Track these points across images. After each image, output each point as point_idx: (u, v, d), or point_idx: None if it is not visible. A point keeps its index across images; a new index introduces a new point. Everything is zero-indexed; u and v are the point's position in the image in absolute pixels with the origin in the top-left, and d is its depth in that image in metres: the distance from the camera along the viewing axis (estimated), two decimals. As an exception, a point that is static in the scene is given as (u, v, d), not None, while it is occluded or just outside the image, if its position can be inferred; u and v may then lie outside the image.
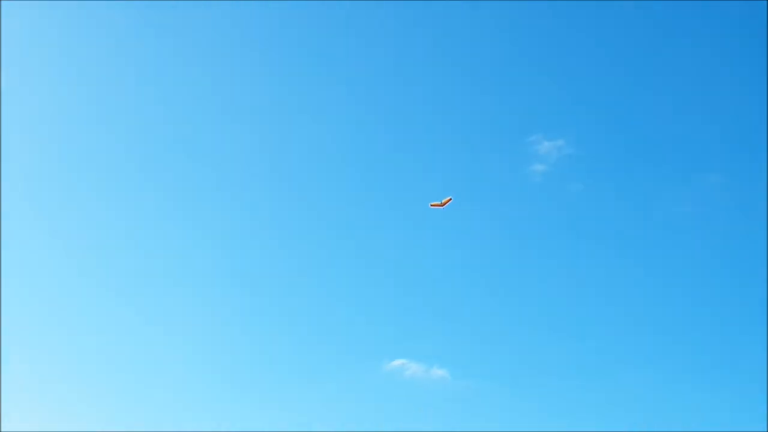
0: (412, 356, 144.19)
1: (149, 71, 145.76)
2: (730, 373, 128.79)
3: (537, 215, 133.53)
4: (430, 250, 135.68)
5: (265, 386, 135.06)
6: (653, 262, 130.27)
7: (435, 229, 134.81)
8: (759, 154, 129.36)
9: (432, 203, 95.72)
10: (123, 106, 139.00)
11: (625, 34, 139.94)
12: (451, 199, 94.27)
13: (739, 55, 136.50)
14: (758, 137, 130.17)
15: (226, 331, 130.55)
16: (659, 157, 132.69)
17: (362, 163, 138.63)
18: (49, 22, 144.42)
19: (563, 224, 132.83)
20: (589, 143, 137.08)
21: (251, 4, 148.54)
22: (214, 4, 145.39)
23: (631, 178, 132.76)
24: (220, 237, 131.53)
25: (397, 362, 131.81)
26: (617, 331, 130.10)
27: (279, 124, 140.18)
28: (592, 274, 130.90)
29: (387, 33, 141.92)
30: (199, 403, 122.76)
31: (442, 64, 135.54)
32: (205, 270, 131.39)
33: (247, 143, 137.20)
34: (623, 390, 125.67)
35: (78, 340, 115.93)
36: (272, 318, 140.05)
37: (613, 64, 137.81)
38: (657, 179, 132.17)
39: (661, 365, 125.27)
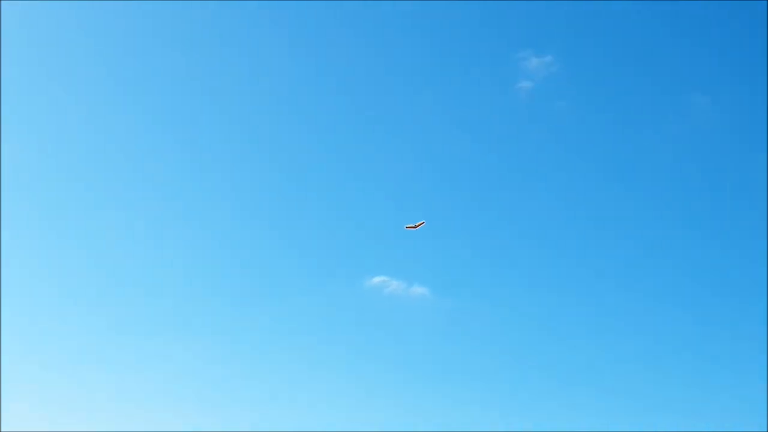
0: (392, 273, 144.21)
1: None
2: (728, 282, 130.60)
3: (524, 132, 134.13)
4: (413, 165, 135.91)
5: (247, 300, 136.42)
6: (640, 180, 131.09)
7: (419, 144, 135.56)
8: (746, 75, 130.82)
9: (407, 226, 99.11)
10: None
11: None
12: (423, 222, 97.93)
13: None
14: (745, 59, 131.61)
15: (212, 244, 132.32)
16: (647, 78, 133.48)
17: (350, 81, 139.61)
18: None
19: (550, 142, 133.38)
20: (578, 61, 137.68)
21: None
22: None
23: (619, 97, 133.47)
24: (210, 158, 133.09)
25: (378, 279, 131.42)
26: (601, 248, 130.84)
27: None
28: (578, 192, 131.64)
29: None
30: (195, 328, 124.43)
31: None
32: (194, 193, 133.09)
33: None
34: (604, 304, 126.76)
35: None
36: (254, 233, 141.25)
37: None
38: (645, 99, 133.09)
39: (646, 281, 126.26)
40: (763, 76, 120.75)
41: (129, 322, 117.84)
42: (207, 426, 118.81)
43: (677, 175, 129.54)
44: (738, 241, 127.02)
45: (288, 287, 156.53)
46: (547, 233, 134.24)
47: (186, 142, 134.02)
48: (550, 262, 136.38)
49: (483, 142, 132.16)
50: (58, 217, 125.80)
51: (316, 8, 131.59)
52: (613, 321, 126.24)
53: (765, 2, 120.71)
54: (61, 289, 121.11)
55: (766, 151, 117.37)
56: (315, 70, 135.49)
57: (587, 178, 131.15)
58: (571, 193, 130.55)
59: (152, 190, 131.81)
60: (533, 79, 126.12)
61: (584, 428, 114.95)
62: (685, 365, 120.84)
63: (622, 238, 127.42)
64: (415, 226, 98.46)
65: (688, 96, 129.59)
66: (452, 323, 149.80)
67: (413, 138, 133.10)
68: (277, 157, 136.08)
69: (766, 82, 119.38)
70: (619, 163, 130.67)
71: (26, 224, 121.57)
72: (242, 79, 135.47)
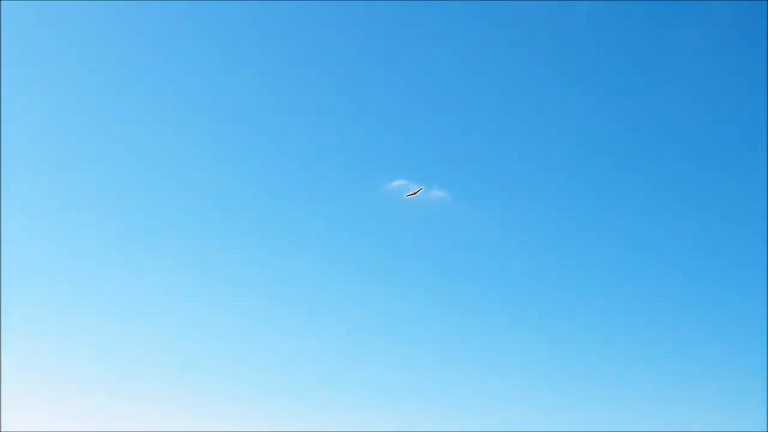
0: (411, 177, 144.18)
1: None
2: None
3: (544, 35, 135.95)
4: (433, 66, 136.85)
5: (267, 203, 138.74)
6: (660, 83, 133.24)
7: (439, 41, 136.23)
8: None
9: (408, 194, 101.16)
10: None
11: None
12: (421, 188, 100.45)
13: None
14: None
15: (235, 153, 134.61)
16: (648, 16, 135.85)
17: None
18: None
19: (572, 42, 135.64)
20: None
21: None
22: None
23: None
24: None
25: (397, 183, 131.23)
26: (619, 155, 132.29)
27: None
28: (597, 91, 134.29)
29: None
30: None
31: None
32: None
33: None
34: (616, 216, 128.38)
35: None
36: (272, 138, 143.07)
37: None
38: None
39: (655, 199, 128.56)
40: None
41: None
42: (239, 315, 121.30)
43: (693, 77, 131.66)
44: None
45: (305, 193, 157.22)
46: (567, 136, 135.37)
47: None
48: (572, 164, 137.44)
49: (505, 41, 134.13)
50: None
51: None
52: (625, 226, 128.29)
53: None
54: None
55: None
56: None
57: (608, 81, 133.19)
58: (592, 91, 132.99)
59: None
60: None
61: (594, 323, 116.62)
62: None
63: (641, 150, 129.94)
64: (414, 193, 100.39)
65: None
66: (471, 228, 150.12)
67: (434, 36, 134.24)
68: (296, 60, 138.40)
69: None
70: (641, 70, 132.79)
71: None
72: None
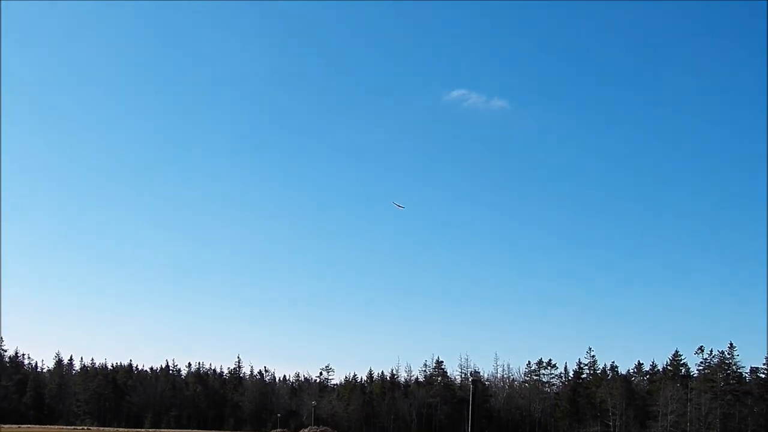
0: (471, 86, 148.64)
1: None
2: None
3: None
4: None
5: (325, 116, 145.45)
6: None
7: None
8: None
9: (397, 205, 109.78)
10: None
11: None
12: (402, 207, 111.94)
13: None
14: None
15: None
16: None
17: None
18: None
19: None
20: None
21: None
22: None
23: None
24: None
25: (456, 93, 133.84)
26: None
27: None
28: None
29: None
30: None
31: None
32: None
33: None
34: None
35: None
36: (340, 52, 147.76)
37: None
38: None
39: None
40: None
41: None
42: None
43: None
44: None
45: (365, 105, 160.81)
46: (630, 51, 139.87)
47: None
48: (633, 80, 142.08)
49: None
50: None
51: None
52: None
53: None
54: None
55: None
56: None
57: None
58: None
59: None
60: None
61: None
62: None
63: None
64: (400, 206, 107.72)
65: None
66: (532, 137, 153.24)
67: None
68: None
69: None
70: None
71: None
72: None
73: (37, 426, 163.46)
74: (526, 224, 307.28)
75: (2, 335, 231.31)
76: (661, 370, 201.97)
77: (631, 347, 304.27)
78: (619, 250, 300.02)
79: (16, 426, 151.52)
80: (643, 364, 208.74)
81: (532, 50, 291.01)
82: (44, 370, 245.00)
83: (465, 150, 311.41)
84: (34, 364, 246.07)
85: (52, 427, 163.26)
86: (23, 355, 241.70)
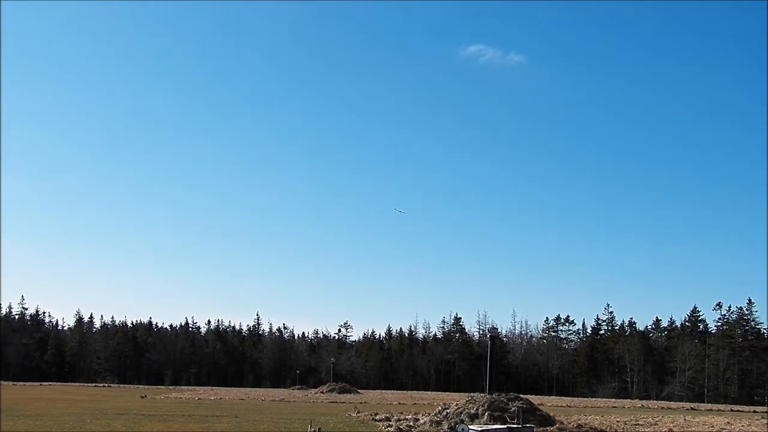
0: (487, 41, 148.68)
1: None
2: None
3: None
4: None
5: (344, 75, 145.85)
6: None
7: None
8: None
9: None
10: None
11: None
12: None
13: None
14: None
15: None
16: None
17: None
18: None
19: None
20: None
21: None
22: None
23: None
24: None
25: (473, 48, 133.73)
26: None
27: None
28: None
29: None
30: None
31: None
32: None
33: None
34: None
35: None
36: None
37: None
38: None
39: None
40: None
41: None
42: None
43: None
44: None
45: (379, 61, 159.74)
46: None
47: None
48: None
49: None
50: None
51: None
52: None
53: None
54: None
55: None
56: None
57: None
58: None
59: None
60: None
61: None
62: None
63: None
64: (400, 212, 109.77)
65: None
66: (550, 93, 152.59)
67: None
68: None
69: None
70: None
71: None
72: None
73: (59, 383, 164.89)
74: (544, 181, 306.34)
75: (23, 294, 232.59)
76: (679, 326, 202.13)
77: (649, 304, 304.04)
78: (638, 206, 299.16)
79: (38, 383, 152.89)
80: (661, 320, 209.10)
81: (549, 4, 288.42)
82: (65, 328, 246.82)
83: (481, 105, 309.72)
84: (54, 323, 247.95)
85: (73, 384, 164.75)
86: (44, 313, 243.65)
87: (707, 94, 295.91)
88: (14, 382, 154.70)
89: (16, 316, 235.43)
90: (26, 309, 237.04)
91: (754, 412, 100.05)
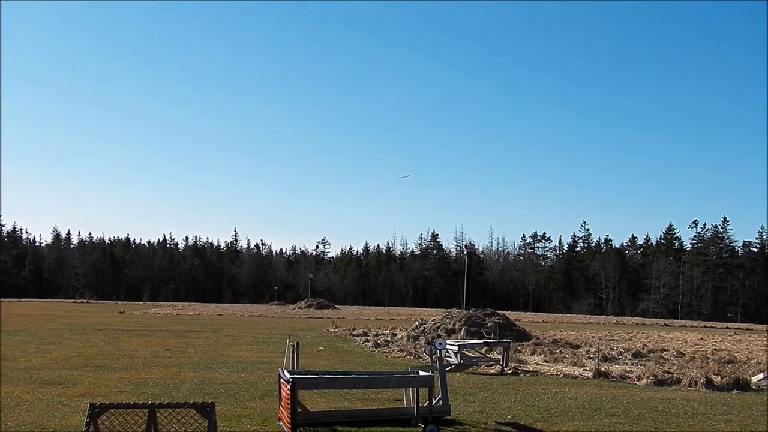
0: None
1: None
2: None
3: None
4: None
5: None
6: None
7: None
8: None
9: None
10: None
11: None
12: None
13: None
14: None
15: None
16: None
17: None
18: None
19: None
20: None
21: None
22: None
23: None
24: None
25: None
26: None
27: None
28: None
29: None
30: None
31: None
32: None
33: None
34: None
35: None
36: None
37: None
38: None
39: None
40: None
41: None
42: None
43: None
44: None
45: None
46: None
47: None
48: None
49: None
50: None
51: None
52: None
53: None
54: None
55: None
56: None
57: None
58: None
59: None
60: None
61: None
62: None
63: None
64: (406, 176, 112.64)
65: None
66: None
67: None
68: None
69: None
70: None
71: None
72: None
73: (37, 300, 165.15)
74: (523, 96, 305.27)
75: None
76: (654, 243, 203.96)
77: (625, 222, 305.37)
78: (615, 121, 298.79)
79: (16, 300, 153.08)
80: (636, 237, 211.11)
81: None
82: (42, 245, 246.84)
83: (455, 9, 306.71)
84: (32, 239, 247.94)
85: (51, 300, 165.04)
86: (21, 229, 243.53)
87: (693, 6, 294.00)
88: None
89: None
90: (3, 226, 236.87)
91: (727, 328, 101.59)
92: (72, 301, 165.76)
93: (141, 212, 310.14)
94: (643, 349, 42.93)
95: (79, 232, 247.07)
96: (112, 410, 12.20)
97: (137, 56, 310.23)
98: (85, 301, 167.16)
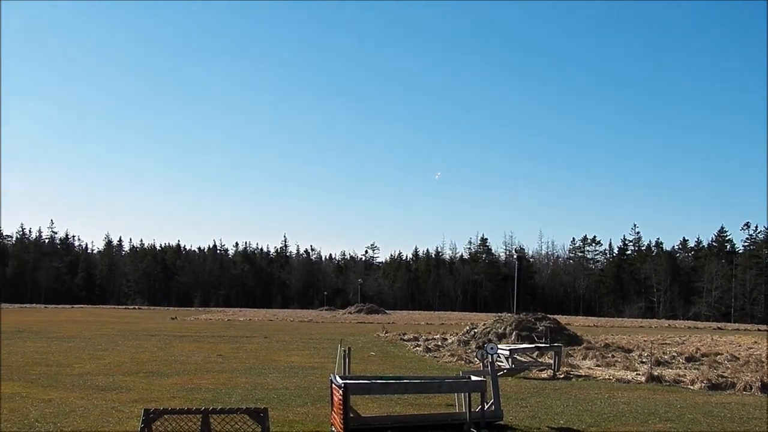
0: None
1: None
2: None
3: None
4: None
5: None
6: None
7: None
8: None
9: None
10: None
11: None
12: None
13: None
14: None
15: None
16: None
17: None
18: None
19: None
20: None
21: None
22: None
23: None
24: None
25: None
26: None
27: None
28: None
29: None
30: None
31: None
32: None
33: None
34: None
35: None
36: None
37: None
38: None
39: None
40: None
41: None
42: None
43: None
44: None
45: None
46: None
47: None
48: None
49: None
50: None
51: None
52: None
53: None
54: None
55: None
56: None
57: None
58: None
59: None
60: None
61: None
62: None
63: None
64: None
65: None
66: None
67: None
68: None
69: None
70: None
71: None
72: None
73: (90, 306, 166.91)
74: (571, 98, 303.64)
75: (52, 218, 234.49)
76: (706, 246, 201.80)
77: (676, 224, 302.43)
78: (666, 123, 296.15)
79: (70, 306, 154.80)
80: (688, 240, 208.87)
81: None
82: (94, 252, 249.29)
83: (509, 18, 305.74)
84: (84, 246, 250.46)
85: (104, 306, 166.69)
86: (73, 237, 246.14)
87: None
88: (46, 305, 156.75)
89: (46, 241, 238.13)
90: (56, 233, 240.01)
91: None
92: (124, 307, 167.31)
93: (191, 219, 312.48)
94: (696, 352, 42.49)
95: (130, 239, 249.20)
96: (166, 416, 12.29)
97: (195, 59, 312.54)
98: (136, 307, 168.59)
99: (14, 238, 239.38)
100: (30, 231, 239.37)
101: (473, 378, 17.03)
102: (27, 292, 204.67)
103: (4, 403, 19.62)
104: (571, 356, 37.90)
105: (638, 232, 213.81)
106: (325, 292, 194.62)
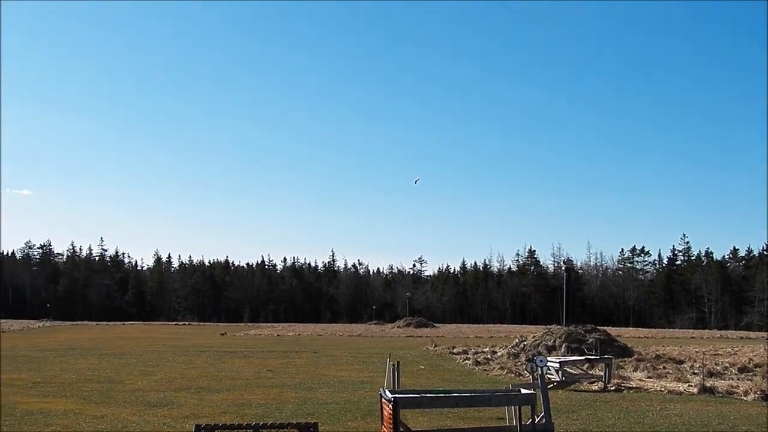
0: None
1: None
2: None
3: None
4: None
5: None
6: None
7: None
8: None
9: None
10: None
11: None
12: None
13: None
14: None
15: None
16: None
17: None
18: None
19: None
20: None
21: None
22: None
23: None
24: None
25: None
26: None
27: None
28: None
29: None
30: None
31: None
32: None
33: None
34: None
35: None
36: None
37: None
38: None
39: None
40: None
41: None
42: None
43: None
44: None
45: None
46: None
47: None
48: None
49: None
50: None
51: None
52: None
53: None
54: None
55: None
56: None
57: None
58: None
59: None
60: None
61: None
62: None
63: None
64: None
65: None
66: None
67: None
68: None
69: None
70: None
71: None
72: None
73: (140, 322, 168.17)
74: (619, 105, 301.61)
75: (102, 236, 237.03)
76: (757, 255, 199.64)
77: (726, 233, 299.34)
78: (714, 131, 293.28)
79: (121, 323, 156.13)
80: (738, 249, 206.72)
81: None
82: (144, 269, 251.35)
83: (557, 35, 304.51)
84: (134, 263, 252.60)
85: (154, 323, 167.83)
86: (123, 254, 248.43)
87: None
88: (97, 322, 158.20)
89: (97, 258, 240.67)
90: (106, 250, 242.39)
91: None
92: (174, 323, 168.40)
93: (239, 235, 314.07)
94: (749, 363, 42.00)
95: (179, 256, 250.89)
96: (217, 431, 12.37)
97: (241, 73, 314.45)
98: (186, 323, 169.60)
99: (65, 256, 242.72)
100: (80, 249, 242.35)
101: (523, 391, 16.96)
102: (78, 310, 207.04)
103: (58, 420, 19.86)
104: (622, 368, 37.67)
105: (688, 242, 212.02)
106: (374, 306, 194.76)
